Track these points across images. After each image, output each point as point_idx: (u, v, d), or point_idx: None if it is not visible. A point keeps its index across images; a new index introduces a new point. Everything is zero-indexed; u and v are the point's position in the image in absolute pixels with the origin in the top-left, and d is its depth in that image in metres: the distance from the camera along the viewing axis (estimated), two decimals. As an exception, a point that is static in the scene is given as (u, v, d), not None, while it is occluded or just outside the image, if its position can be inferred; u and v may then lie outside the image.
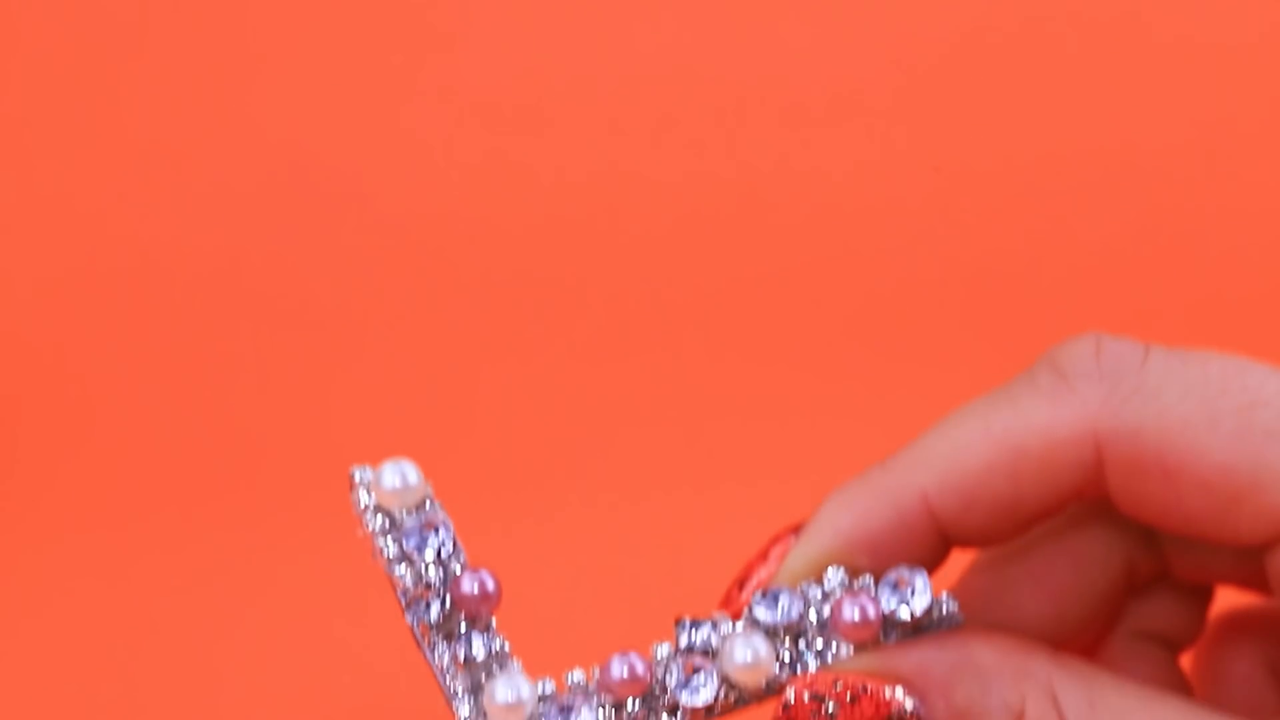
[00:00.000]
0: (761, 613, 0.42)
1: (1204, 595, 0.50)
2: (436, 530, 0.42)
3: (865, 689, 0.40)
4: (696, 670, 0.41)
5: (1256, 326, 0.89)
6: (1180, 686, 0.50)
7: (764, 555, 0.45)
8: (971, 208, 0.94)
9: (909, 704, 0.40)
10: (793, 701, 0.40)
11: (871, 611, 0.41)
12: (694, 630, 0.42)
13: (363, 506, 0.43)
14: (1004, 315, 0.92)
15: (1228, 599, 0.51)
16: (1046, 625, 0.47)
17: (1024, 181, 0.94)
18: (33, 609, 0.84)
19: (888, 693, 0.40)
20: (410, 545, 0.42)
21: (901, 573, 0.42)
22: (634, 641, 0.42)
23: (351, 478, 0.43)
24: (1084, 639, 0.49)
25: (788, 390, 0.91)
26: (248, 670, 0.79)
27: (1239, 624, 0.50)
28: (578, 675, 0.41)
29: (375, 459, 0.44)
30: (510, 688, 0.40)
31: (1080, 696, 0.40)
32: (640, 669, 0.41)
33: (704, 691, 0.41)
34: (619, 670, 0.41)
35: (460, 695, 0.41)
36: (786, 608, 0.42)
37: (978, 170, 0.95)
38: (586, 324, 0.93)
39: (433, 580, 0.41)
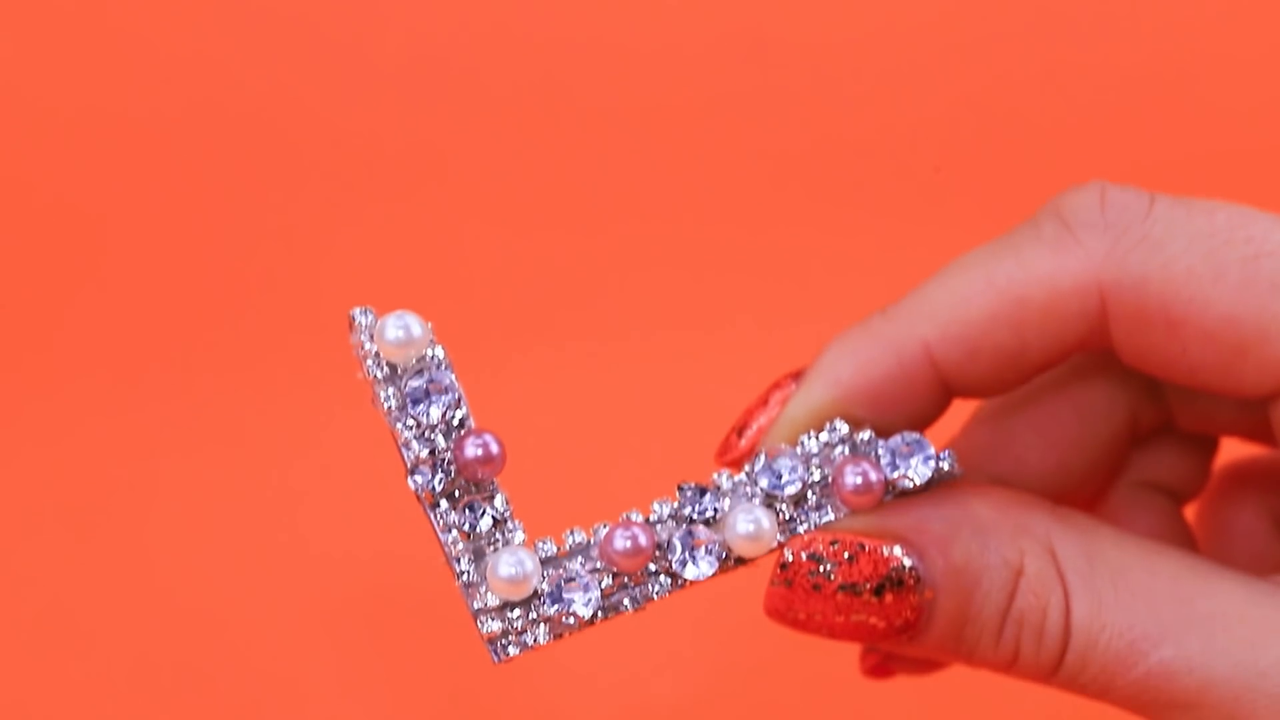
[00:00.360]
0: (764, 480, 0.42)
1: (1208, 446, 0.50)
2: (442, 393, 0.41)
3: (863, 548, 0.40)
4: (699, 544, 0.41)
5: (1261, 174, 0.88)
6: (1183, 537, 0.50)
7: (764, 401, 0.45)
8: (974, 53, 0.93)
9: (907, 562, 0.40)
10: (790, 561, 0.40)
11: (874, 477, 0.41)
12: (697, 499, 0.42)
13: (363, 351, 0.42)
14: (1008, 162, 0.91)
15: (1232, 451, 0.51)
16: (1049, 476, 0.47)
17: (1027, 25, 0.93)
18: (30, 443, 0.84)
19: (885, 551, 0.40)
20: (416, 408, 0.41)
21: (906, 439, 0.42)
22: (634, 494, 0.42)
23: (352, 319, 0.42)
24: (1087, 490, 0.49)
25: (791, 236, 0.90)
26: (244, 516, 0.80)
27: (1243, 476, 0.50)
28: (579, 536, 0.41)
29: (374, 303, 0.43)
30: (514, 562, 0.40)
31: (1079, 552, 0.40)
32: (644, 540, 0.40)
33: (704, 564, 0.41)
34: (622, 543, 0.40)
35: (462, 559, 0.40)
36: (791, 478, 0.41)
37: (980, 15, 0.93)
38: (587, 172, 0.93)
39: (437, 444, 0.41)
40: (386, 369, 0.42)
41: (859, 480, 0.41)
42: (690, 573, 0.41)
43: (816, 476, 0.42)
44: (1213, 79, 0.92)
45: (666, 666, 0.71)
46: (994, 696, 0.65)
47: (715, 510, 0.41)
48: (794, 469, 0.41)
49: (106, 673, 0.73)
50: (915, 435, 0.42)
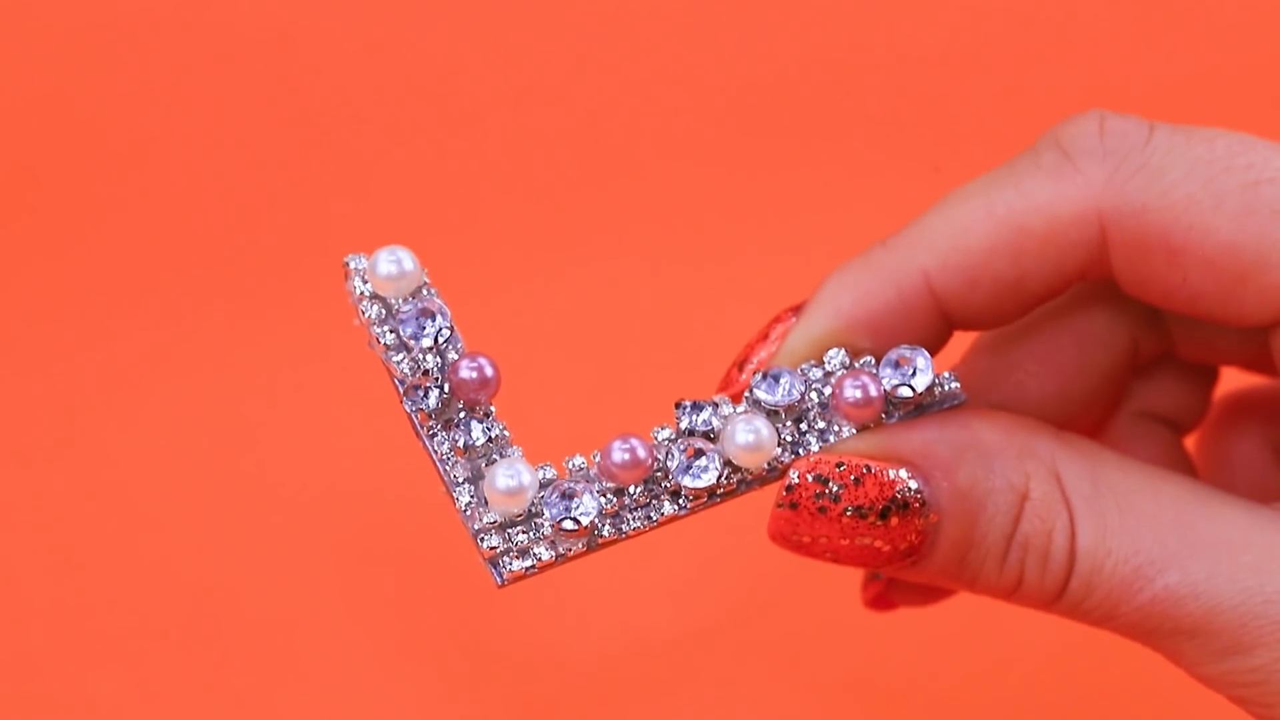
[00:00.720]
0: (762, 394, 0.41)
1: (1208, 376, 0.50)
2: (433, 317, 0.41)
3: (868, 470, 0.40)
4: (698, 454, 0.40)
5: (1261, 103, 0.88)
6: (1184, 467, 0.50)
7: (764, 336, 0.45)
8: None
9: (912, 485, 0.40)
10: (796, 483, 0.40)
11: (873, 390, 0.41)
12: (695, 413, 0.41)
13: (358, 295, 0.42)
14: (1007, 91, 0.91)
15: (1232, 381, 0.51)
16: (1050, 405, 0.47)
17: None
18: (24, 371, 0.84)
19: (891, 474, 0.40)
20: (407, 333, 0.41)
21: (903, 351, 0.42)
22: (634, 425, 0.42)
23: (346, 266, 0.42)
24: (1088, 419, 0.49)
25: (790, 168, 0.90)
26: (242, 454, 0.79)
27: (1243, 406, 0.50)
28: (578, 460, 0.41)
29: (369, 247, 0.43)
30: (511, 474, 0.40)
31: (1084, 475, 0.40)
32: (642, 453, 0.40)
33: (706, 475, 0.40)
34: (620, 455, 0.40)
35: (460, 484, 0.40)
36: (788, 388, 0.41)
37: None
38: (589, 97, 0.92)
39: (430, 367, 0.41)
40: (381, 309, 0.42)
41: (858, 393, 0.41)
42: (689, 483, 0.40)
43: (816, 398, 0.42)
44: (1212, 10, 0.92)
45: (665, 603, 0.71)
46: (995, 630, 0.65)
47: (714, 422, 0.41)
48: (793, 383, 0.41)
49: (96, 604, 0.73)
50: (910, 347, 0.42)
